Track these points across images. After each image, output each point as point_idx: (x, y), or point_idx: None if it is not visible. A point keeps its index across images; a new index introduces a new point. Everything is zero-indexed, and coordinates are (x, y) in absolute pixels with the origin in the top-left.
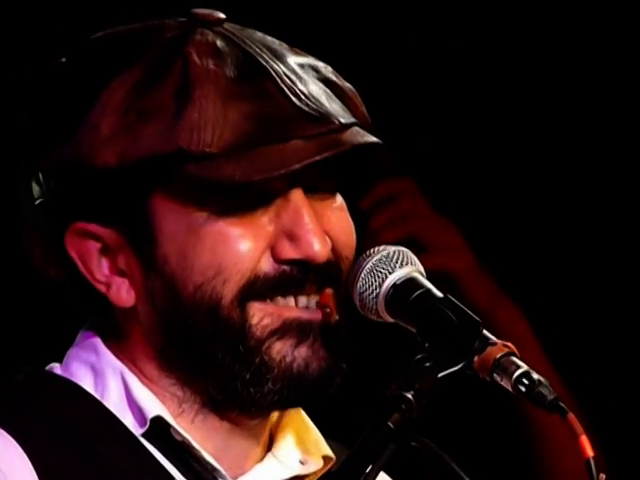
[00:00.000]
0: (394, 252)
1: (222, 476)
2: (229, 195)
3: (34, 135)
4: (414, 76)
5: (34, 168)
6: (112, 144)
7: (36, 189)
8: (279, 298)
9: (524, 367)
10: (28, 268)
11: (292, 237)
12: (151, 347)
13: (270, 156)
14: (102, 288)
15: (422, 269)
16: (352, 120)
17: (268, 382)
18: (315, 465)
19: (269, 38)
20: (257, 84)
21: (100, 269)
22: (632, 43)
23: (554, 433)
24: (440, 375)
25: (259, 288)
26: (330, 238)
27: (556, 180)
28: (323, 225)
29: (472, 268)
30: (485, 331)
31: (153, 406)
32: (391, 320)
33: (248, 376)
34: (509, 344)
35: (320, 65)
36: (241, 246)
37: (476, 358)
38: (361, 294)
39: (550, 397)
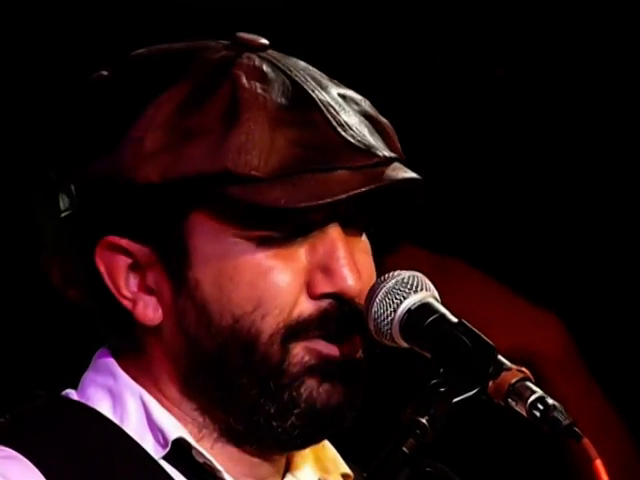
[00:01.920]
0: (409, 277)
1: None
2: (270, 223)
3: (71, 146)
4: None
5: (68, 179)
6: (156, 160)
7: (65, 201)
8: (319, 340)
9: (539, 392)
10: (42, 293)
11: (326, 271)
12: (174, 370)
13: (316, 184)
14: (128, 304)
15: (437, 294)
16: (394, 155)
17: (292, 417)
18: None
19: (311, 67)
20: (304, 112)
21: (128, 285)
22: (632, 44)
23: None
24: (455, 400)
25: (303, 328)
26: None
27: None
28: (356, 265)
29: (563, 359)
30: (500, 356)
31: (174, 428)
32: (405, 345)
33: (273, 410)
34: (524, 369)
35: (359, 98)
36: (281, 281)
37: (491, 383)
38: (376, 319)
39: (565, 422)
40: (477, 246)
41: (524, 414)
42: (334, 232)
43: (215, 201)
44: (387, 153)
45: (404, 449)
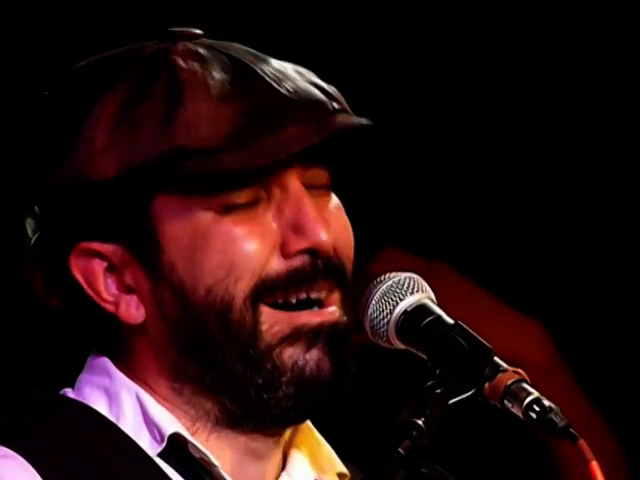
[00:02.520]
0: (405, 279)
1: None
2: (231, 190)
3: (27, 168)
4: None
5: (30, 202)
6: (108, 155)
7: (31, 224)
8: (292, 297)
9: (535, 394)
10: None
11: (297, 228)
12: (162, 364)
13: (268, 143)
14: (110, 308)
15: (433, 296)
16: (341, 107)
17: (281, 387)
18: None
19: (248, 48)
20: (245, 83)
21: (107, 288)
22: (632, 44)
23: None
24: (451, 402)
25: (271, 287)
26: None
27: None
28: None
29: (546, 366)
30: (496, 358)
31: (170, 424)
32: (402, 346)
33: (261, 381)
34: (520, 371)
35: (303, 70)
36: (250, 245)
37: (487, 385)
38: (372, 320)
39: (561, 424)
40: (460, 252)
41: (520, 415)
42: (297, 191)
43: (174, 181)
44: (335, 105)
45: (400, 450)
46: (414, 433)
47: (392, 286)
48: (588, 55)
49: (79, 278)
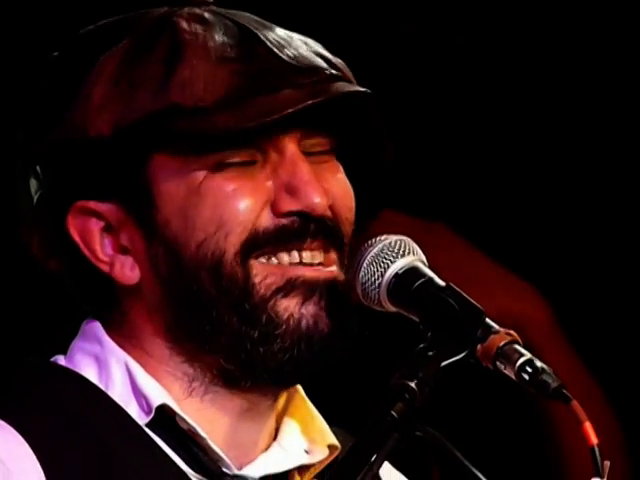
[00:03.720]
0: (396, 241)
1: (227, 466)
2: (225, 149)
3: (29, 128)
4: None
5: (31, 160)
6: (105, 113)
7: (34, 184)
8: (283, 255)
9: (527, 355)
10: (29, 260)
11: (290, 190)
12: (158, 325)
13: (263, 105)
14: (105, 268)
15: (424, 258)
16: (340, 74)
17: (277, 339)
18: (321, 454)
19: (257, 18)
20: (248, 47)
21: (103, 248)
22: (632, 43)
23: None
24: (443, 364)
25: (261, 243)
26: (329, 198)
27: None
28: (321, 183)
29: (549, 327)
30: (488, 319)
31: (158, 395)
32: (394, 309)
33: (256, 334)
34: (512, 332)
35: (310, 41)
36: (242, 200)
37: (479, 347)
38: (363, 284)
39: (554, 385)
40: (458, 213)
41: (513, 377)
42: (293, 155)
43: (169, 139)
44: (333, 71)
45: (393, 413)
46: (407, 396)
47: (383, 249)
48: (592, 37)
49: (76, 237)
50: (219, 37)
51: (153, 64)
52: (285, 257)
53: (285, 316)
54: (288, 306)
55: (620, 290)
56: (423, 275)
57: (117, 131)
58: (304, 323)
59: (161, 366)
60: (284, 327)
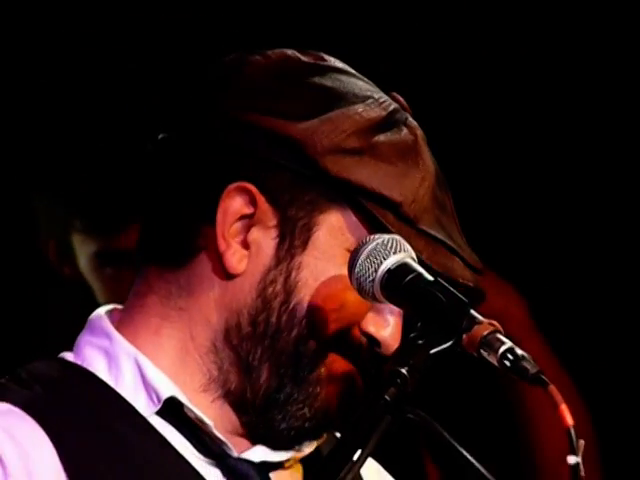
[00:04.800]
0: (388, 240)
1: (229, 449)
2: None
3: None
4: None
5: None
6: (343, 158)
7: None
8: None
9: (509, 343)
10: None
11: (379, 323)
12: (219, 320)
13: (445, 260)
14: (223, 245)
15: (414, 255)
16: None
17: (306, 409)
18: (315, 443)
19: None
20: (445, 196)
21: (235, 228)
22: (632, 43)
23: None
24: (432, 352)
25: (346, 343)
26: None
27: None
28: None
29: (527, 322)
30: (472, 311)
31: (167, 388)
32: (386, 302)
33: (296, 395)
34: (494, 322)
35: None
36: (355, 309)
37: (464, 336)
38: (358, 279)
39: (533, 370)
40: None
41: (495, 364)
42: (397, 314)
43: (361, 215)
44: (477, 265)
45: (386, 397)
46: (399, 381)
47: (376, 247)
48: (592, 37)
49: (222, 205)
50: (434, 170)
51: (394, 148)
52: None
53: (322, 395)
54: (330, 390)
55: (594, 290)
56: (413, 271)
57: (337, 177)
58: (330, 406)
59: (192, 355)
60: (317, 405)
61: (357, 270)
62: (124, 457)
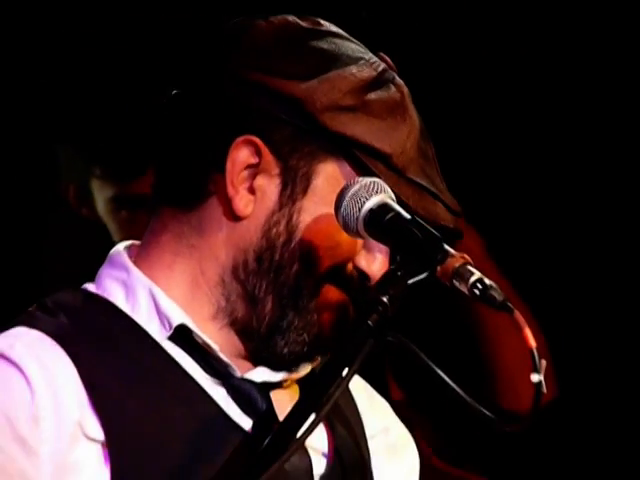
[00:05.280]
0: (370, 182)
1: (233, 370)
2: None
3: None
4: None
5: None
6: (339, 114)
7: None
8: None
9: (478, 274)
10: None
11: (369, 252)
12: (227, 257)
13: (430, 206)
14: (232, 191)
15: (393, 196)
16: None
17: (306, 334)
18: (310, 366)
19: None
20: (427, 146)
21: (242, 176)
22: (632, 43)
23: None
24: (410, 282)
25: (340, 275)
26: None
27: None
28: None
29: (483, 254)
30: (446, 245)
31: (178, 316)
32: (369, 238)
33: (297, 322)
34: (465, 255)
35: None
36: (347, 247)
37: (439, 268)
38: (344, 217)
39: (500, 298)
40: None
41: (466, 292)
42: (382, 248)
43: (355, 165)
44: (456, 209)
45: (369, 322)
46: (380, 308)
47: (360, 188)
48: (592, 37)
49: (232, 154)
50: (419, 123)
51: (384, 105)
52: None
53: (316, 329)
54: (326, 317)
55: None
56: (393, 210)
57: (335, 132)
58: (325, 330)
59: (202, 287)
60: (315, 330)
61: (342, 209)
62: (139, 376)
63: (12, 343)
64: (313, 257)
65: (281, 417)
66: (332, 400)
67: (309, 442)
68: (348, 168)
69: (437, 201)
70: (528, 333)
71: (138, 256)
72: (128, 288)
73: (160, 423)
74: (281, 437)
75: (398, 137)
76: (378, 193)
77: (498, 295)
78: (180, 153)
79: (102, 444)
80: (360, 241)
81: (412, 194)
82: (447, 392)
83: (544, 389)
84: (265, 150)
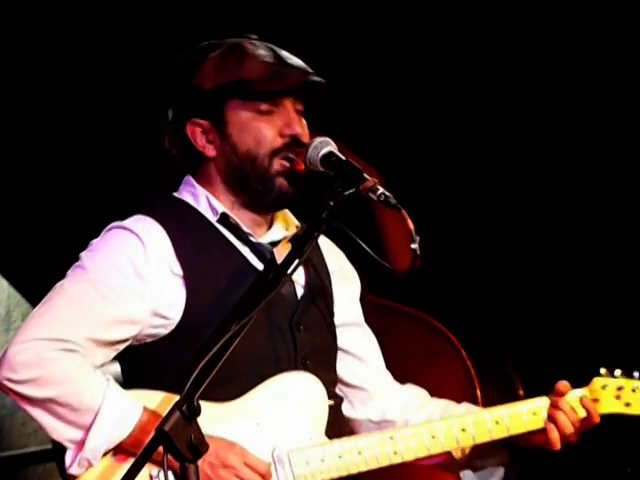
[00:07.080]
0: (324, 139)
1: (253, 236)
2: (261, 102)
3: (181, 87)
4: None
5: (176, 100)
6: (211, 79)
7: (171, 112)
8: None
9: (383, 190)
10: None
11: (288, 126)
12: (222, 178)
13: (281, 83)
14: (200, 148)
15: (336, 147)
16: (314, 74)
17: (270, 193)
18: (294, 230)
19: (278, 49)
20: (275, 57)
21: (201, 140)
22: (632, 43)
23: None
24: (345, 193)
25: (277, 150)
26: (302, 132)
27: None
28: (300, 124)
29: (376, 174)
30: (365, 174)
31: (221, 208)
32: (322, 169)
33: (261, 188)
34: (376, 180)
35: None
36: (269, 130)
37: (361, 186)
38: (309, 158)
39: (393, 202)
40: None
41: (376, 199)
42: (291, 109)
43: (238, 94)
44: (310, 70)
45: (323, 215)
46: (330, 205)
47: (318, 143)
48: (592, 37)
49: (190, 135)
50: (263, 52)
51: (233, 60)
52: (288, 164)
53: (277, 185)
54: (280, 181)
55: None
56: (335, 155)
57: (216, 87)
58: (282, 190)
59: (223, 194)
60: (276, 191)
61: (308, 154)
62: (202, 240)
63: (134, 222)
64: (253, 153)
65: (279, 262)
66: (307, 251)
67: (294, 277)
68: (240, 101)
69: (298, 70)
70: (409, 222)
71: (196, 181)
72: (195, 195)
73: (213, 266)
74: (279, 273)
75: (249, 67)
76: (328, 145)
77: (392, 200)
78: (185, 144)
79: (182, 277)
80: (278, 122)
81: (291, 76)
82: (367, 255)
83: (419, 252)
84: (202, 121)
